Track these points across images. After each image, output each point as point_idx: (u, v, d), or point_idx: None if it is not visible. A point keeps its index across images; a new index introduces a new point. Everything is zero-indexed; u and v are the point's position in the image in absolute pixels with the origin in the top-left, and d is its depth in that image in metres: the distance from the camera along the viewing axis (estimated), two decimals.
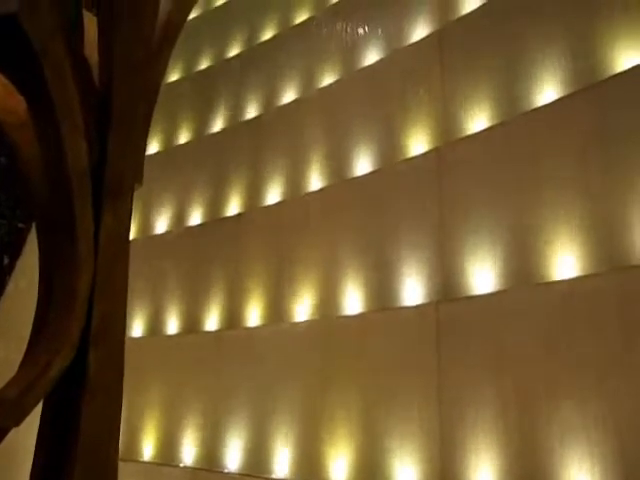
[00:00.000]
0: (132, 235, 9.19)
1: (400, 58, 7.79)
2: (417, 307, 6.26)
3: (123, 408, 2.46)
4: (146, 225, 9.90)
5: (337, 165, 7.92)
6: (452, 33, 7.33)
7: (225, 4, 11.35)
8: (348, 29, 8.61)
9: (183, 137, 10.45)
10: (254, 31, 10.49)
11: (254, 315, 7.89)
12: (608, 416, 4.60)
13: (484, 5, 7.12)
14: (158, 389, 8.25)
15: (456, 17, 7.43)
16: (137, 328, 9.05)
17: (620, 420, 4.57)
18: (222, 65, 10.56)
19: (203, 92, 10.45)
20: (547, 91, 6.15)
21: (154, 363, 8.33)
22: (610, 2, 5.88)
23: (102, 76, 3.53)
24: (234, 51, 10.65)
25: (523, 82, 6.37)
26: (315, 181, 8.12)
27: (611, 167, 5.34)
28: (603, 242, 5.21)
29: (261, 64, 9.73)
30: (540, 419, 4.99)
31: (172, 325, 8.75)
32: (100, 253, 2.80)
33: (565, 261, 5.37)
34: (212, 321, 8.34)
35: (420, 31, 7.81)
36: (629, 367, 4.62)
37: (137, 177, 3.58)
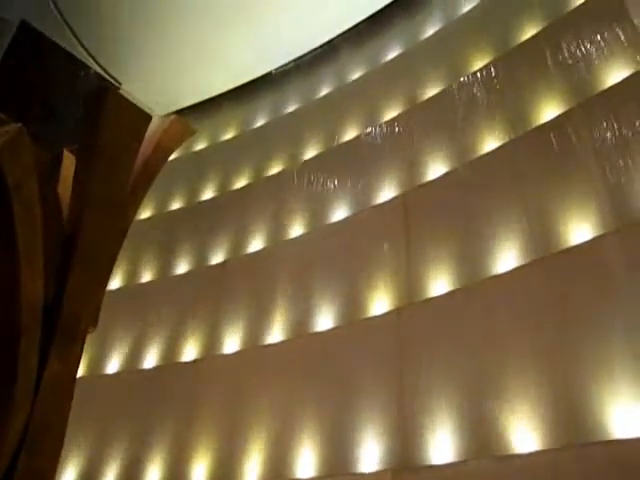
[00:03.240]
0: (82, 372, 8.73)
1: (366, 218, 8.07)
2: (375, 473, 5.96)
3: None
4: (97, 363, 9.47)
5: (298, 318, 7.88)
6: (417, 197, 7.69)
7: (202, 150, 11.85)
8: (318, 185, 9.01)
9: (147, 276, 10.37)
10: (227, 178, 10.87)
11: (201, 471, 7.35)
12: None
13: (448, 174, 7.56)
14: None
15: (421, 182, 7.84)
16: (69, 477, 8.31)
17: None
18: (193, 208, 10.79)
19: (171, 232, 10.56)
20: (506, 259, 6.39)
21: None
22: (566, 183, 6.32)
23: (72, 215, 3.55)
24: (206, 195, 10.95)
25: (483, 249, 6.62)
26: (275, 333, 8.01)
27: (567, 336, 5.43)
28: (563, 415, 5.14)
29: (231, 210, 9.97)
30: None
31: (110, 475, 8.06)
32: (40, 397, 2.62)
33: (525, 434, 5.25)
34: (155, 476, 7.73)
35: (387, 193, 8.19)
36: None
37: (92, 320, 3.49)
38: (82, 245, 3.10)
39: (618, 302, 5.29)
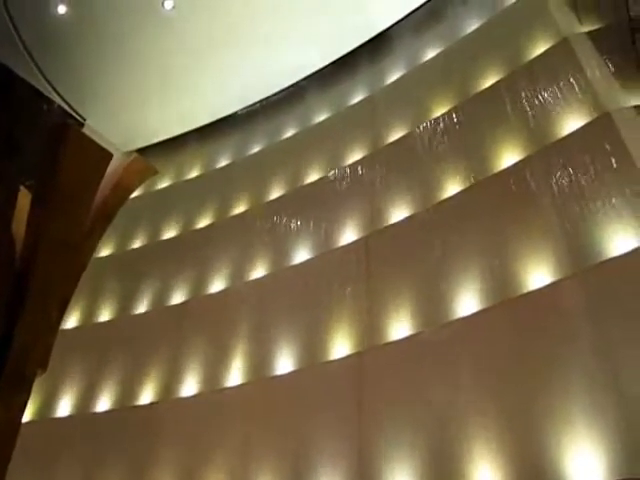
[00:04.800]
0: (31, 415, 8.38)
1: (328, 260, 8.06)
2: None
3: None
4: (48, 405, 9.10)
5: (258, 361, 7.75)
6: (379, 240, 7.73)
7: (165, 188, 11.77)
8: (281, 226, 9.00)
9: (103, 315, 10.11)
10: (190, 217, 10.78)
11: None
12: None
13: (410, 217, 7.64)
14: None
15: (383, 226, 7.89)
16: None
17: None
18: (154, 247, 10.64)
19: (132, 271, 10.36)
20: (466, 303, 6.43)
21: None
22: (525, 228, 6.44)
23: (25, 253, 3.43)
24: (168, 234, 10.82)
25: (444, 292, 6.66)
26: (234, 376, 7.86)
27: (527, 383, 5.44)
28: (523, 466, 5.12)
29: (193, 250, 9.87)
30: None
31: None
32: None
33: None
34: None
35: (349, 235, 8.22)
36: None
37: (42, 364, 3.33)
38: (34, 285, 2.99)
39: (576, 347, 5.35)
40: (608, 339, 5.22)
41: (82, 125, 11.72)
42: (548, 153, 6.78)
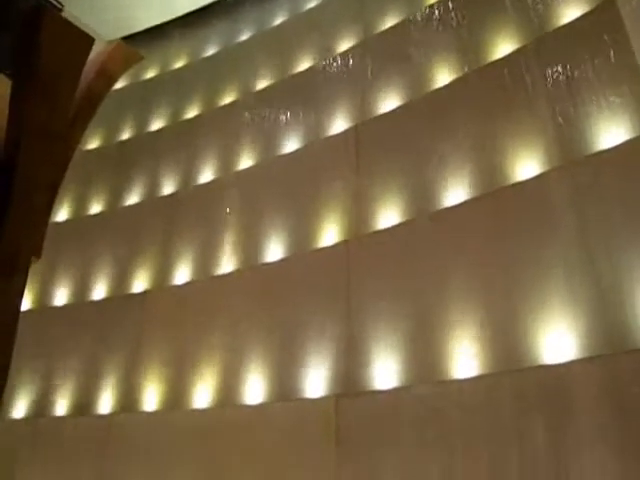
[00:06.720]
0: (27, 305, 8.67)
1: (317, 149, 8.03)
2: (320, 399, 6.20)
3: None
4: (44, 295, 9.35)
5: (248, 249, 7.91)
6: (368, 130, 7.65)
7: (152, 78, 11.44)
8: (270, 116, 8.86)
9: (95, 207, 10.16)
10: (178, 108, 10.57)
11: (151, 399, 7.48)
12: None
13: (400, 107, 7.53)
14: (37, 477, 7.54)
15: (373, 115, 7.78)
16: (21, 408, 8.33)
17: None
18: (143, 138, 10.50)
19: (121, 163, 10.30)
20: (454, 193, 6.50)
21: (38, 448, 7.65)
22: (516, 119, 6.38)
23: (8, 141, 3.39)
24: (156, 126, 10.65)
25: (432, 182, 6.71)
26: (225, 264, 8.04)
27: (509, 268, 5.63)
28: (500, 344, 5.40)
29: (182, 142, 9.76)
30: None
31: (62, 406, 8.13)
32: None
33: (464, 360, 5.52)
34: (105, 404, 7.83)
35: (339, 125, 8.13)
36: None
37: (36, 251, 3.39)
38: (21, 173, 2.98)
39: (558, 238, 5.49)
40: (589, 231, 5.35)
41: (60, 10, 11.16)
42: (544, 43, 6.59)
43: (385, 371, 5.95)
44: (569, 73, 6.23)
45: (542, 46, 6.58)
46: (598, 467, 4.42)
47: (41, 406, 8.26)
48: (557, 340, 5.08)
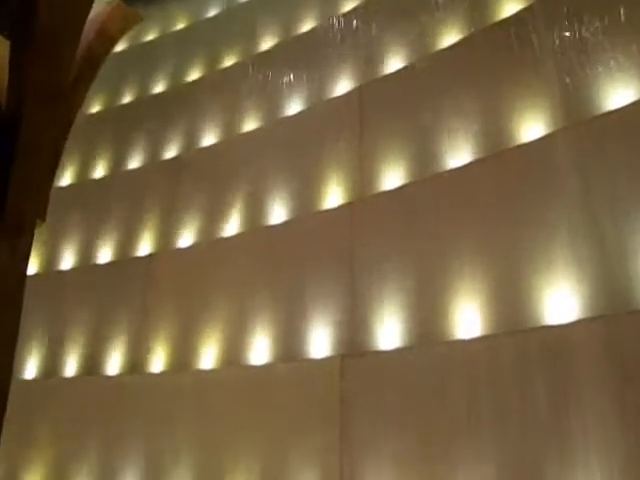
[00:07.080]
0: (34, 269, 8.72)
1: (321, 111, 7.96)
2: (326, 359, 6.28)
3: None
4: (50, 260, 9.41)
5: (252, 212, 7.92)
6: (373, 91, 7.58)
7: (153, 40, 11.29)
8: (273, 78, 8.77)
9: (98, 171, 10.14)
10: (180, 70, 10.46)
11: (159, 360, 7.59)
12: None
13: (405, 68, 7.44)
14: (48, 436, 7.72)
15: (378, 76, 7.69)
16: (31, 369, 8.47)
17: None
18: (145, 101, 10.41)
19: (123, 127, 10.24)
20: (459, 154, 6.46)
21: (47, 407, 7.81)
22: (523, 80, 6.30)
23: (10, 102, 3.36)
24: (158, 89, 10.55)
25: (436, 144, 6.67)
26: (230, 227, 8.06)
27: (513, 230, 5.65)
28: (504, 304, 5.45)
29: (184, 104, 9.68)
30: None
31: (71, 367, 8.26)
32: None
33: (468, 321, 5.57)
34: (114, 365, 7.95)
35: (343, 86, 8.05)
36: None
37: (40, 213, 3.38)
38: (23, 134, 2.97)
39: (562, 198, 5.47)
40: (594, 193, 5.33)
41: None
42: (552, 1, 6.45)
43: (389, 332, 6.02)
44: (577, 33, 6.10)
45: (550, 4, 6.44)
46: (600, 423, 4.52)
47: (51, 367, 8.41)
48: (560, 301, 5.12)
